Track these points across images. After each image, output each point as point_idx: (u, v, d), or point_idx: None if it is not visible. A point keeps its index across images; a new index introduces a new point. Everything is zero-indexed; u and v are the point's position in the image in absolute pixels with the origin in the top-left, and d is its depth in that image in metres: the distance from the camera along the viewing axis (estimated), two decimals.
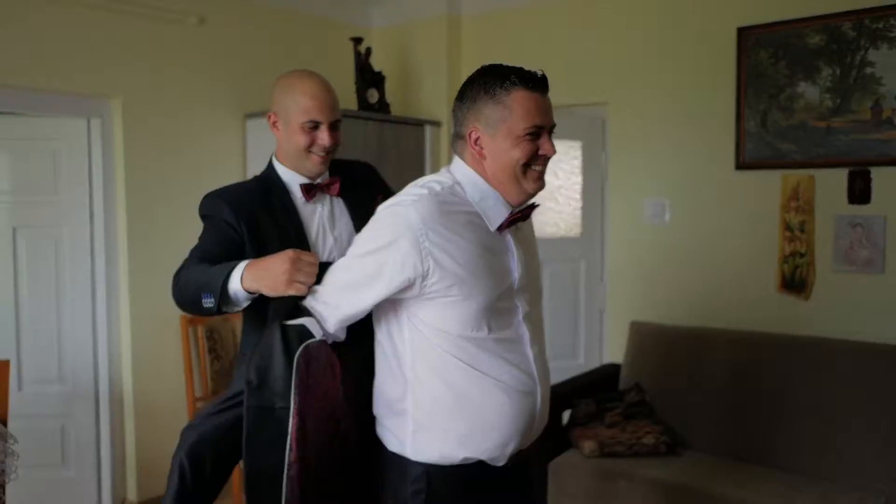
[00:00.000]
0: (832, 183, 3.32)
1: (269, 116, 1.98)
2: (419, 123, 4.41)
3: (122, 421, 3.74)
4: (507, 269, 1.57)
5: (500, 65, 1.59)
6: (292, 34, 4.24)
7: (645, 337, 3.62)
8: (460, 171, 1.61)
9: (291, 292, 1.57)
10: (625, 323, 3.80)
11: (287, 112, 1.92)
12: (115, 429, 3.73)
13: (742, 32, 3.52)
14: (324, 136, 1.91)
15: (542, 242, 3.95)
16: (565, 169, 4.09)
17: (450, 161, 1.67)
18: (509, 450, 1.57)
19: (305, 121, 1.89)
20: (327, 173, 2.01)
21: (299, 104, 1.90)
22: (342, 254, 1.74)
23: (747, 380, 3.24)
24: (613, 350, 3.97)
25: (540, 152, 1.55)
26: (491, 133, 1.55)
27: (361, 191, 2.01)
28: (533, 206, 1.65)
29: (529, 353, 1.57)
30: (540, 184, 1.59)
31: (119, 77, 3.58)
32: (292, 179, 1.96)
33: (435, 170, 4.20)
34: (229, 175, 3.94)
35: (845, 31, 3.27)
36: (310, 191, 1.94)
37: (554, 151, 1.57)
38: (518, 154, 1.54)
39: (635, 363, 3.59)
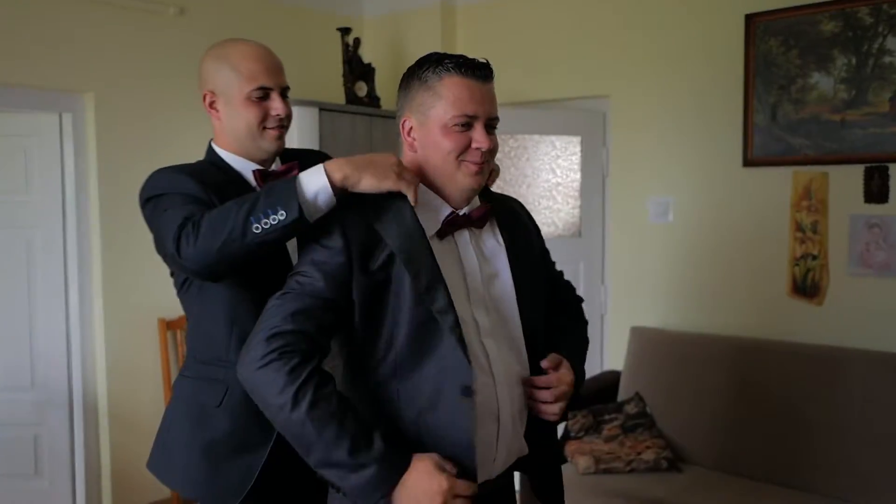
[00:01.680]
0: (847, 180, 3.10)
1: (204, 96, 1.69)
2: None
3: (96, 430, 3.58)
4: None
5: (438, 54, 1.44)
6: (277, 25, 4.05)
7: (646, 343, 3.41)
8: None
9: (402, 187, 1.37)
10: (626, 328, 3.59)
11: (227, 85, 1.65)
12: (89, 438, 3.56)
13: (750, 19, 3.30)
14: (277, 105, 1.65)
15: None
16: (563, 165, 3.89)
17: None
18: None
19: (254, 88, 1.63)
20: (279, 160, 1.76)
21: (242, 71, 1.63)
22: None
23: (755, 391, 3.03)
24: (614, 357, 3.76)
25: (473, 145, 1.39)
26: (421, 121, 1.41)
27: None
28: (487, 210, 1.47)
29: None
30: (477, 179, 1.41)
31: (92, 71, 3.40)
32: (244, 167, 1.69)
33: None
34: None
35: (862, 18, 3.04)
36: (265, 179, 1.66)
37: (489, 144, 1.39)
38: (448, 145, 1.38)
39: (636, 371, 3.38)
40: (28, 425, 3.56)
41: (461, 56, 1.42)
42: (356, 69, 4.01)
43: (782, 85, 3.24)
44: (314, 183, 1.37)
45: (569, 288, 1.76)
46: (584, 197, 3.90)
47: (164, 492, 3.68)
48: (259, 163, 1.70)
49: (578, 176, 3.89)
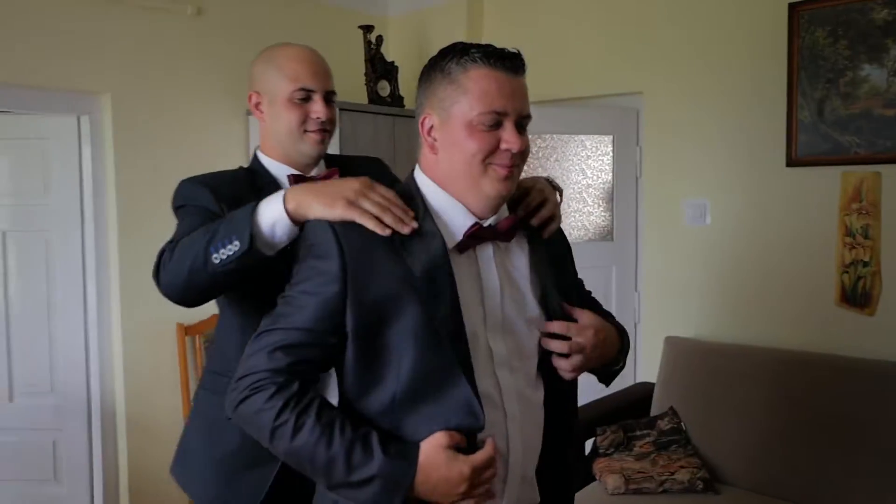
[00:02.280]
0: None
1: (250, 97, 1.69)
2: None
3: (114, 435, 3.52)
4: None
5: (465, 42, 1.27)
6: (297, 23, 3.95)
7: (681, 355, 3.21)
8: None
9: (353, 216, 1.21)
10: (660, 338, 3.39)
11: (272, 86, 1.63)
12: (107, 444, 3.51)
13: (794, 9, 3.08)
14: (318, 108, 1.63)
15: (572, 246, 3.61)
16: (594, 166, 3.71)
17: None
18: None
19: (295, 89, 1.61)
20: (323, 164, 1.73)
21: (286, 72, 1.62)
22: None
23: (800, 407, 2.81)
24: (648, 368, 3.56)
25: (502, 146, 1.22)
26: (443, 119, 1.23)
27: None
28: (515, 221, 1.31)
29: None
30: (506, 185, 1.24)
31: (109, 72, 3.34)
32: (281, 171, 1.67)
33: None
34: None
35: None
36: (300, 182, 1.62)
37: (520, 145, 1.22)
38: (473, 146, 1.21)
39: (670, 384, 3.19)
40: (47, 430, 3.52)
41: (489, 45, 1.24)
42: (379, 68, 3.89)
43: (830, 78, 3.02)
44: (270, 212, 1.28)
45: (592, 298, 1.60)
46: (616, 199, 3.71)
47: (182, 499, 3.60)
48: (301, 168, 1.68)
49: (610, 177, 3.71)
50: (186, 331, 3.55)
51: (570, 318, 1.31)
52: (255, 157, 1.72)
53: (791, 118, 3.12)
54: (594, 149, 3.69)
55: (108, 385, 3.49)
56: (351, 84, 3.97)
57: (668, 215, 3.51)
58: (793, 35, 3.09)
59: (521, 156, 1.25)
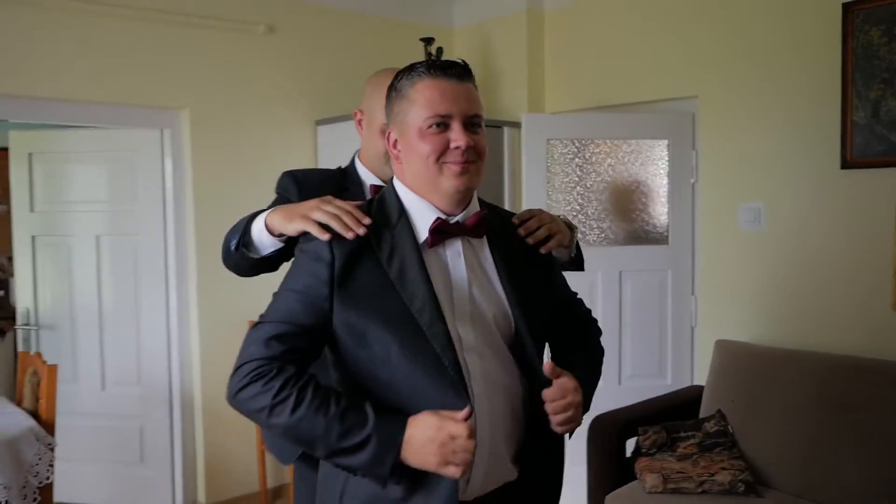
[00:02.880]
0: None
1: (355, 114, 1.95)
2: (497, 125, 4.20)
3: (192, 425, 3.81)
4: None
5: (417, 61, 1.43)
6: (363, 38, 4.17)
7: (732, 359, 3.20)
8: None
9: (307, 227, 1.37)
10: (714, 341, 3.39)
11: (373, 112, 1.87)
12: (186, 431, 3.80)
13: (848, 9, 3.03)
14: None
15: (626, 251, 3.66)
16: (650, 171, 3.73)
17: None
18: None
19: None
20: None
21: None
22: None
23: (851, 414, 2.76)
24: (703, 372, 3.55)
25: (451, 144, 1.35)
26: (401, 131, 1.39)
27: None
28: (481, 217, 1.43)
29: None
30: (462, 180, 1.37)
31: (188, 88, 3.64)
32: (368, 178, 1.93)
33: (514, 174, 3.98)
34: None
35: None
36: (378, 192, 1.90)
37: (467, 141, 1.34)
38: (426, 148, 1.35)
39: (719, 388, 3.19)
40: (134, 417, 3.86)
41: (435, 59, 1.42)
42: None
43: (885, 78, 2.96)
44: (259, 223, 1.50)
45: (585, 317, 1.68)
46: (671, 203, 3.72)
47: (254, 485, 3.86)
48: (386, 181, 1.88)
49: (666, 181, 3.73)
50: None
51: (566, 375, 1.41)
52: (352, 161, 1.97)
53: (846, 119, 3.07)
54: (649, 153, 3.71)
55: (187, 376, 3.79)
56: None
57: (724, 219, 3.50)
58: (847, 35, 3.05)
59: (475, 152, 1.37)
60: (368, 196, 1.86)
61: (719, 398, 3.16)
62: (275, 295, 1.40)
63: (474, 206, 1.44)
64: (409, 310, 1.32)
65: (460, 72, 1.38)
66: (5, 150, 3.94)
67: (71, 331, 3.88)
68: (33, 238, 3.89)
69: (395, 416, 1.30)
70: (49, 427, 2.73)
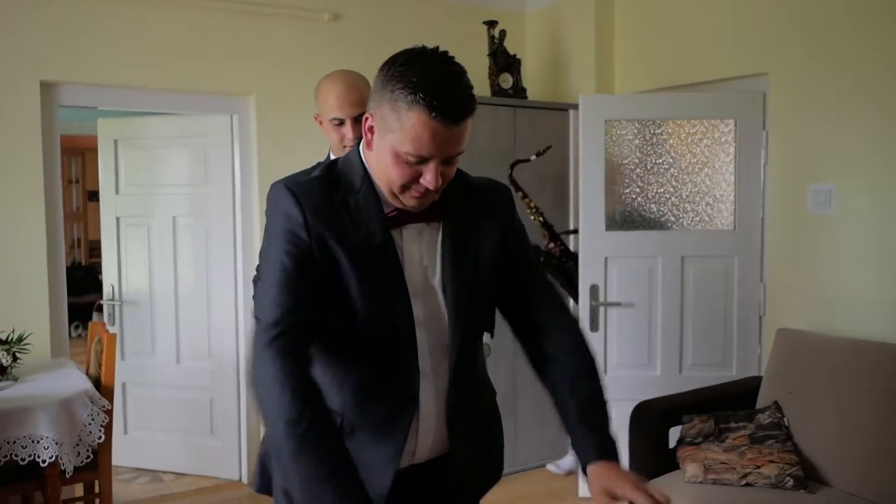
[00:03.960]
0: None
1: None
2: (562, 108, 4.14)
3: None
4: None
5: (424, 67, 1.27)
6: (428, 23, 4.20)
7: (793, 348, 3.02)
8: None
9: None
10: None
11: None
12: (251, 405, 3.96)
13: None
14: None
15: (689, 235, 3.52)
16: (716, 152, 3.57)
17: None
18: None
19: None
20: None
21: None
22: None
23: None
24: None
25: (421, 180, 1.31)
26: (380, 131, 1.32)
27: None
28: (438, 208, 1.40)
29: None
30: (420, 202, 1.35)
31: (254, 75, 3.79)
32: None
33: (588, 155, 3.86)
34: None
35: None
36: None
37: (436, 184, 1.30)
38: (395, 175, 1.31)
39: (777, 378, 3.01)
40: (205, 390, 4.06)
41: (438, 91, 1.25)
42: (501, 61, 4.02)
43: None
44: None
45: (553, 301, 1.55)
46: (738, 185, 3.54)
47: None
48: None
49: (732, 164, 3.55)
50: None
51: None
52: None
53: None
54: (715, 134, 3.55)
55: None
56: (476, 78, 4.14)
57: (792, 202, 3.30)
58: None
59: (441, 183, 1.32)
60: None
61: (777, 389, 2.99)
62: (264, 258, 1.39)
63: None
64: (373, 279, 1.33)
65: (462, 115, 1.28)
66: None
67: (150, 307, 4.13)
68: (118, 219, 4.16)
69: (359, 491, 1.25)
70: (108, 392, 2.92)
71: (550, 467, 3.93)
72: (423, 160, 1.29)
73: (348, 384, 1.38)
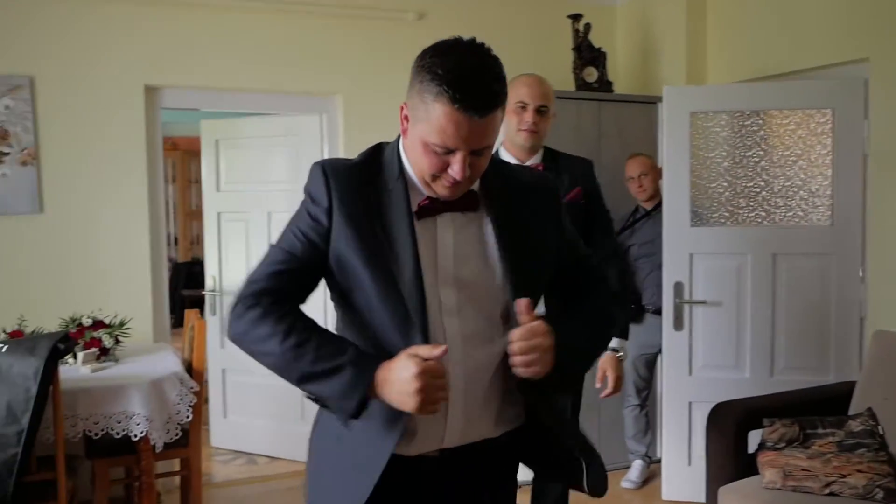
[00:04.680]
0: None
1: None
2: (650, 101, 4.04)
3: None
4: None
5: (452, 59, 1.29)
6: (515, 20, 4.21)
7: (892, 351, 2.83)
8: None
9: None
10: None
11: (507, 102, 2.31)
12: None
13: None
14: (529, 116, 2.47)
15: (781, 231, 3.35)
16: (811, 143, 3.39)
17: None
18: None
19: (515, 103, 2.46)
20: (540, 155, 2.53)
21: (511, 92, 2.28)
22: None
23: None
24: None
25: (448, 170, 1.33)
26: (413, 121, 1.36)
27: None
28: (471, 196, 1.42)
29: None
30: (453, 191, 1.36)
31: (341, 75, 3.92)
32: (508, 158, 2.49)
33: (672, 148, 3.77)
34: None
35: None
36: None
37: (462, 176, 1.32)
38: (425, 164, 1.34)
39: (872, 383, 2.83)
40: None
41: (463, 83, 1.27)
42: (585, 55, 3.97)
43: None
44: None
45: (594, 274, 1.59)
46: (836, 179, 3.35)
47: None
48: (520, 157, 2.51)
49: (829, 155, 3.36)
50: None
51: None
52: (498, 150, 2.49)
53: None
54: (810, 125, 3.37)
55: None
56: (560, 72, 4.11)
57: (893, 195, 3.09)
58: None
59: (470, 177, 1.34)
60: None
61: (871, 395, 2.81)
62: (286, 226, 1.46)
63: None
64: (393, 267, 1.36)
65: (487, 107, 1.29)
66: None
67: None
68: (219, 214, 4.41)
69: (373, 354, 1.36)
70: (199, 375, 3.11)
71: (625, 484, 3.85)
72: (449, 151, 1.31)
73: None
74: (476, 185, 1.43)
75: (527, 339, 1.34)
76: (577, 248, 1.58)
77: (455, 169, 1.32)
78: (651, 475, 3.90)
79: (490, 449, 1.46)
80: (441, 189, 1.37)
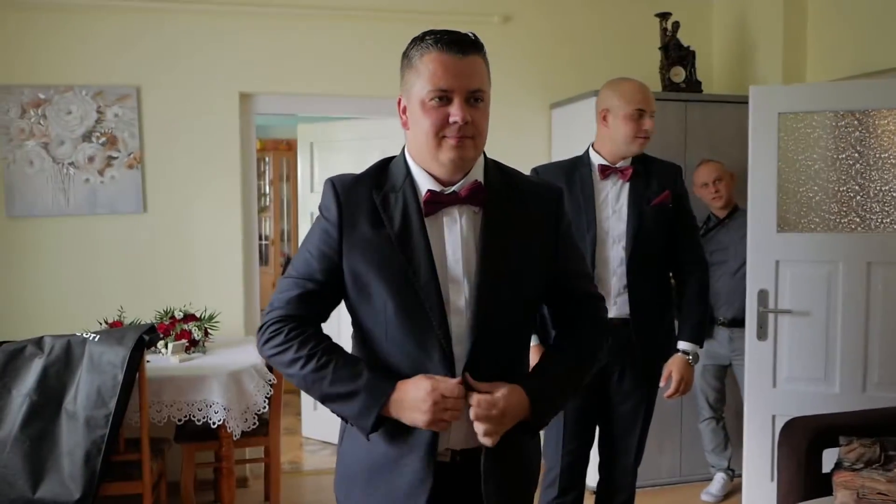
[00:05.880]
0: None
1: (602, 112, 2.50)
2: (740, 101, 3.87)
3: None
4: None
5: (430, 30, 1.46)
6: (602, 20, 4.15)
7: None
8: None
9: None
10: None
11: (615, 104, 2.46)
12: None
13: None
14: (649, 123, 2.48)
15: (876, 238, 3.15)
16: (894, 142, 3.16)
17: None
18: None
19: (633, 108, 2.45)
20: (629, 160, 2.52)
21: (626, 98, 2.45)
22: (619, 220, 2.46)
23: None
24: None
25: (450, 119, 1.38)
26: (408, 99, 1.45)
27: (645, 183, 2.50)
28: (476, 187, 1.45)
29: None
30: (458, 151, 1.40)
31: None
32: (596, 160, 2.53)
33: (759, 151, 3.64)
34: (534, 162, 4.07)
35: None
36: (605, 171, 2.50)
37: (463, 116, 1.37)
38: (426, 121, 1.39)
39: None
40: None
41: (442, 31, 1.43)
42: (673, 54, 3.87)
43: None
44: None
45: (578, 296, 1.59)
46: None
47: None
48: (613, 160, 2.54)
49: None
50: None
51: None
52: (587, 150, 2.57)
53: None
54: (885, 123, 3.14)
55: None
56: (645, 72, 4.02)
57: None
58: None
59: (473, 126, 1.39)
60: (597, 175, 2.50)
61: None
62: (300, 248, 1.54)
63: (473, 176, 1.47)
64: (406, 270, 1.41)
65: (466, 45, 1.41)
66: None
67: None
68: (311, 214, 4.60)
69: (387, 376, 1.41)
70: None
71: (705, 497, 3.74)
72: (446, 98, 1.38)
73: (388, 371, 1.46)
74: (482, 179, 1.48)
75: (486, 409, 1.39)
76: (576, 271, 1.58)
77: (454, 111, 1.38)
78: (734, 489, 3.76)
79: (487, 454, 1.47)
80: (447, 152, 1.40)
